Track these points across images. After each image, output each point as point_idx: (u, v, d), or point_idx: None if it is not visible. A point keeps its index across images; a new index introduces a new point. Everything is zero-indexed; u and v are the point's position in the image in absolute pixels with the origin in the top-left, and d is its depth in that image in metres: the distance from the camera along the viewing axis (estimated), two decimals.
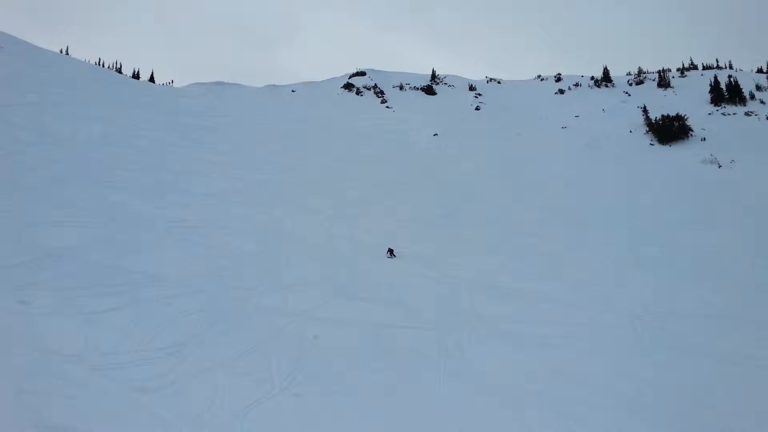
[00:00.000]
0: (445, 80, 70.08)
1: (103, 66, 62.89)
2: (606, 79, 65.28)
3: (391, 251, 23.13)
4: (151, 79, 66.37)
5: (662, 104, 51.00)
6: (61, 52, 57.66)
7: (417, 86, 66.97)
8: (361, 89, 64.29)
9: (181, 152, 32.56)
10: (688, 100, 53.49)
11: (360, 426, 11.54)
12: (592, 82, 65.75)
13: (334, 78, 69.92)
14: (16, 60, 41.87)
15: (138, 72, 66.18)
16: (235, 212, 25.05)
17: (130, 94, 43.47)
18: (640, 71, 70.73)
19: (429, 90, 66.03)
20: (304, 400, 12.33)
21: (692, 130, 43.34)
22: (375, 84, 65.48)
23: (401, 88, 66.28)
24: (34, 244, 17.28)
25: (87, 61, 57.69)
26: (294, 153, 37.48)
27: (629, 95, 58.79)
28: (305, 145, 39.77)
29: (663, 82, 61.00)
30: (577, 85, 65.35)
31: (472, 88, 66.15)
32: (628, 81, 64.97)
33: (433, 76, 70.39)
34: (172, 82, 75.64)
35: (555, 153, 41.16)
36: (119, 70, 64.78)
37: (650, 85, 62.48)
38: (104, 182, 24.79)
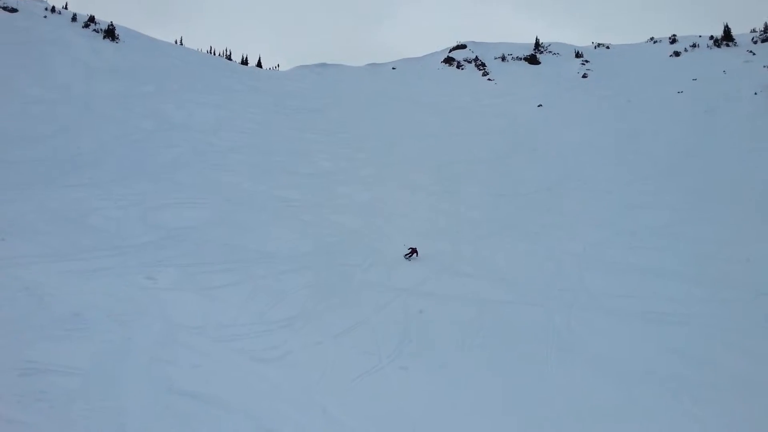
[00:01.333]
0: (549, 48, 67.49)
1: (214, 54, 66.03)
2: (727, 37, 60.19)
3: (413, 251, 19.38)
4: (258, 65, 68.94)
5: None
6: (175, 42, 61.11)
7: (519, 56, 65.00)
8: (462, 62, 63.36)
9: (287, 134, 33.76)
10: None
11: (466, 402, 11.64)
12: (711, 41, 60.83)
13: (434, 53, 69.29)
14: (134, 52, 44.92)
15: (246, 58, 68.92)
16: (340, 191, 25.73)
17: (240, 80, 45.46)
18: (767, 27, 64.59)
19: (532, 59, 63.95)
20: (409, 373, 12.60)
21: None
22: (476, 56, 64.27)
23: (503, 59, 64.60)
24: (157, 225, 18.69)
25: (199, 50, 60.81)
26: (395, 131, 37.75)
27: (754, 54, 53.89)
28: (405, 123, 39.92)
29: None
30: (694, 46, 60.77)
31: (578, 55, 63.31)
32: (753, 39, 59.48)
33: (537, 45, 68.00)
34: (278, 66, 78.22)
35: (670, 120, 38.66)
36: (229, 57, 67.76)
37: None
38: (218, 165, 26.27)
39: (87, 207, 19.36)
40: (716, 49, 59.40)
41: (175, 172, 24.12)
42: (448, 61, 64.28)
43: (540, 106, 45.93)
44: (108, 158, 25.33)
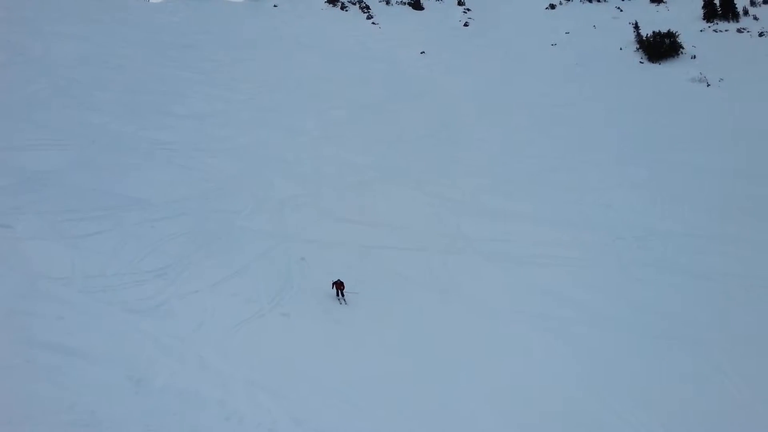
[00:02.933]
0: None
1: None
2: None
3: (339, 288, 14.35)
4: None
5: (654, 20, 49.82)
6: None
7: (404, 1, 64.68)
8: (346, 4, 62.02)
9: (159, 72, 31.57)
10: (681, 16, 52.22)
11: (350, 345, 11.83)
12: None
13: None
14: None
15: None
16: (217, 134, 24.60)
17: (104, 10, 41.62)
18: None
19: (417, 5, 63.84)
20: (291, 320, 12.56)
21: (683, 48, 42.55)
22: None
23: (387, 2, 63.99)
24: (15, 168, 16.96)
25: None
26: (276, 72, 36.49)
27: (621, 11, 57.25)
28: (286, 64, 38.68)
29: None
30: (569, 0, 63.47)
31: (460, 3, 64.03)
32: None
33: None
34: None
35: (544, 71, 40.41)
36: None
37: (643, 0, 60.81)
38: (83, 103, 24.10)
39: None
40: (588, 3, 62.37)
41: (33, 111, 21.83)
42: (332, 1, 62.69)
43: (423, 53, 46.20)
44: None
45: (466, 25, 57.20)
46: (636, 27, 47.06)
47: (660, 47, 43.33)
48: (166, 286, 12.94)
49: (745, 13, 50.35)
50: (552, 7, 62.45)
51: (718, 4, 50.61)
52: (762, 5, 52.19)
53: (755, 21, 48.73)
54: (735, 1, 50.14)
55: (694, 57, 42.85)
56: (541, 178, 23.73)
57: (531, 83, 37.90)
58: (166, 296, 12.48)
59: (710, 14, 50.48)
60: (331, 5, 62.29)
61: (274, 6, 60.44)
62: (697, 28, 48.48)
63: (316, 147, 25.41)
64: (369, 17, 59.57)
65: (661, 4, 58.89)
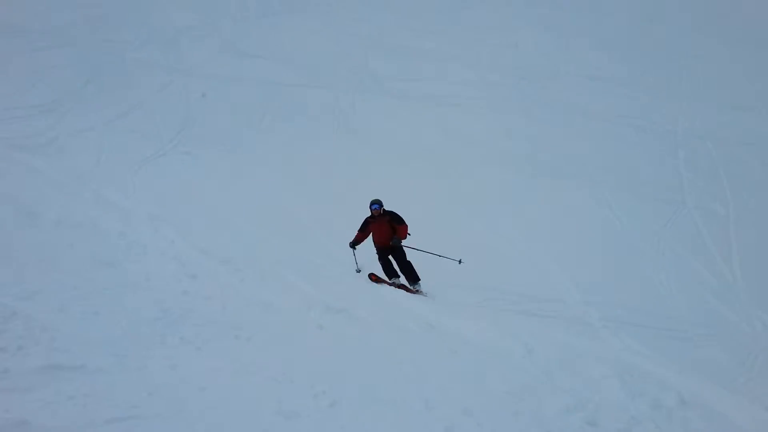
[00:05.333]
0: None
1: None
2: None
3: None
4: None
5: None
6: None
7: None
8: None
9: None
10: None
11: (256, 180, 11.78)
12: None
13: None
14: None
15: None
16: None
17: None
18: None
19: None
20: (194, 158, 12.24)
21: None
22: None
23: None
24: None
25: None
26: None
27: None
28: None
29: None
30: None
31: None
32: None
33: None
34: None
35: None
36: None
37: None
38: None
39: None
40: None
41: None
42: None
43: None
44: None
45: None
46: None
47: None
48: (56, 122, 12.13)
49: None
50: None
51: None
52: None
53: None
54: None
55: None
56: (446, 16, 23.13)
57: None
58: (56, 133, 11.74)
59: None
60: None
61: None
62: None
63: None
64: None
65: None
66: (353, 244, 9.17)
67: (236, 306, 5.94)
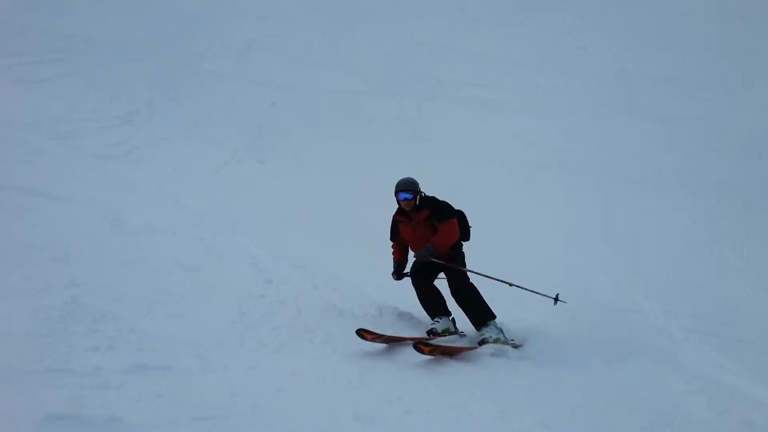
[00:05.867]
0: None
1: None
2: None
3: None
4: None
5: None
6: None
7: None
8: None
9: None
10: None
11: (324, 187, 11.93)
12: None
13: None
14: None
15: None
16: None
17: None
18: None
19: None
20: (266, 166, 12.53)
21: None
22: None
23: None
24: None
25: None
26: None
27: None
28: None
29: None
30: None
31: None
32: None
33: None
34: None
35: None
36: None
37: None
38: None
39: None
40: None
41: None
42: None
43: None
44: None
45: None
46: None
47: None
48: (135, 132, 12.69)
49: None
50: None
51: None
52: None
53: None
54: None
55: None
56: (515, 18, 22.87)
57: None
58: (136, 142, 12.29)
59: None
60: None
61: None
62: None
63: None
64: None
65: None
66: (398, 271, 6.18)
67: (311, 311, 6.01)
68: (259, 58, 17.63)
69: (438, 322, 5.66)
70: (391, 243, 6.21)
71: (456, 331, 5.79)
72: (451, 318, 5.79)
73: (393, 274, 6.23)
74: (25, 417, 3.57)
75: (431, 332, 5.61)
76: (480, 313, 5.53)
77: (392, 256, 6.24)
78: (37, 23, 16.18)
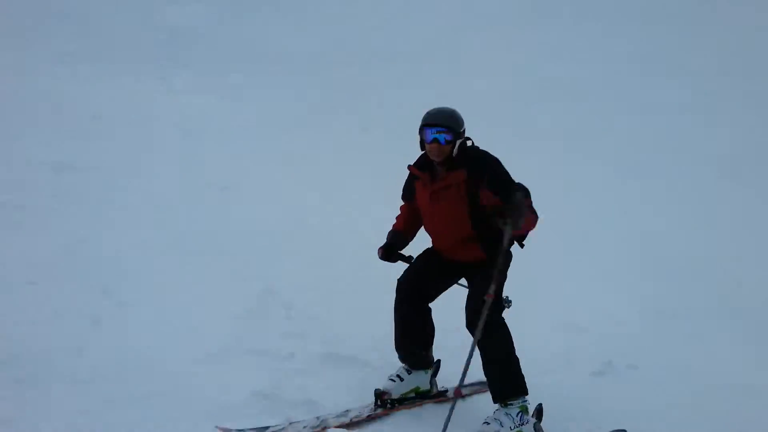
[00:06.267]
0: None
1: None
2: None
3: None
4: None
5: None
6: None
7: None
8: None
9: None
10: None
11: None
12: None
13: None
14: None
15: None
16: None
17: None
18: None
19: None
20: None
21: None
22: None
23: None
24: (164, 22, 17.79)
25: None
26: None
27: None
28: None
29: None
30: None
31: None
32: None
33: None
34: None
35: None
36: None
37: None
38: None
39: None
40: None
41: None
42: None
43: None
44: None
45: None
46: None
47: None
48: (306, 135, 13.40)
49: None
50: None
51: None
52: None
53: None
54: None
55: None
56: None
57: None
58: (308, 144, 12.84)
59: None
60: None
61: None
62: None
63: None
64: None
65: None
66: (390, 246, 4.17)
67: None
68: (408, 66, 17.61)
69: (399, 379, 3.85)
70: (401, 204, 4.19)
71: (431, 391, 3.93)
72: (429, 372, 3.97)
73: (380, 249, 4.13)
74: (233, 391, 4.09)
75: (381, 395, 3.79)
76: (504, 380, 3.39)
77: (395, 222, 4.20)
78: (234, 36, 17.86)
